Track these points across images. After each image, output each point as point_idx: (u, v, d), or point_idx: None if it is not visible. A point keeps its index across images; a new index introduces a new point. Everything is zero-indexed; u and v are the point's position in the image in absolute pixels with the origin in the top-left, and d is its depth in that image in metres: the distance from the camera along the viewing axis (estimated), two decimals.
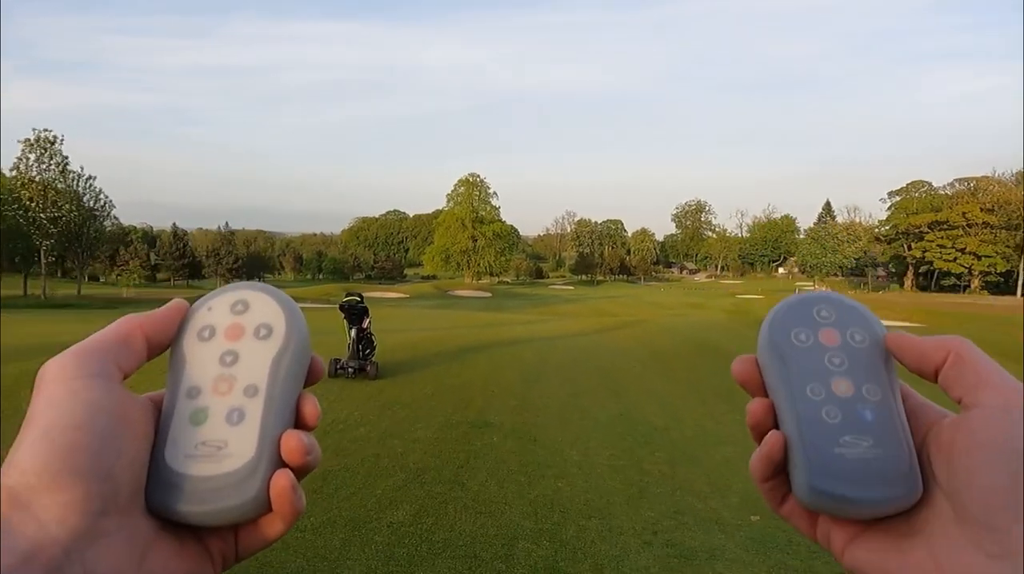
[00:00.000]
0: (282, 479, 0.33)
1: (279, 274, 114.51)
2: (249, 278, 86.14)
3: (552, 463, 5.09)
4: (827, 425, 0.34)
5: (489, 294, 58.46)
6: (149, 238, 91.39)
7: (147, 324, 0.35)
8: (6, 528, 0.26)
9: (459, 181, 79.64)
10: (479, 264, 78.08)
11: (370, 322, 8.16)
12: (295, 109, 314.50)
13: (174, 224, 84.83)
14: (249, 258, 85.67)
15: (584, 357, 10.80)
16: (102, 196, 45.83)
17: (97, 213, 45.79)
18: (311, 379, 0.37)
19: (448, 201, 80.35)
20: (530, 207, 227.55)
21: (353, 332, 7.80)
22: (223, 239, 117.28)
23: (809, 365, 0.36)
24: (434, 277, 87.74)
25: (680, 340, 14.62)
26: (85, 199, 44.65)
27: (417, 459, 4.97)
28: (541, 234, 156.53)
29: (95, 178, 44.99)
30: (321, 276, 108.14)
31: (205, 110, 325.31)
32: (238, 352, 0.35)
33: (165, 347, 0.35)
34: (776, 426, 0.36)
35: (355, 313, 7.90)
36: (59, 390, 0.30)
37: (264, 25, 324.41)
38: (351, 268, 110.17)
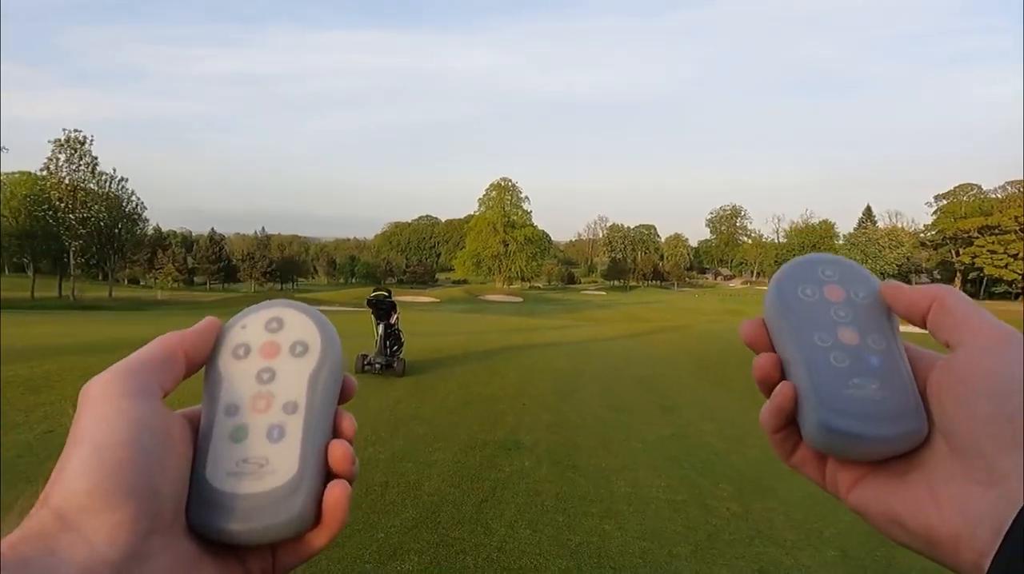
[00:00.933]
0: (338, 489, 0.33)
1: (312, 278, 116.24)
2: (283, 282, 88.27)
3: (596, 497, 4.19)
4: (836, 369, 0.35)
5: (520, 299, 57.73)
6: (188, 242, 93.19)
7: (187, 342, 0.35)
8: (58, 554, 0.26)
9: (491, 185, 79.16)
10: (510, 269, 77.39)
11: (398, 318, 8.03)
12: (328, 116, 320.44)
13: (212, 229, 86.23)
14: (283, 262, 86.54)
15: (623, 365, 9.86)
16: (134, 198, 46.03)
17: (129, 215, 46.08)
18: (344, 397, 0.37)
19: (480, 205, 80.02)
20: (562, 212, 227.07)
21: (381, 328, 7.69)
22: (259, 244, 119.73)
23: (816, 316, 0.37)
24: (465, 282, 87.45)
25: (725, 346, 13.52)
26: (120, 202, 45.00)
27: (433, 489, 4.12)
28: (573, 239, 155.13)
29: (127, 179, 45.19)
30: (354, 280, 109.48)
31: (241, 118, 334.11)
32: (275, 369, 0.36)
33: (201, 365, 0.35)
34: (784, 379, 0.37)
35: (383, 308, 7.80)
36: (105, 408, 0.30)
37: (297, 34, 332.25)
38: (383, 272, 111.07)
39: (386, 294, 8.04)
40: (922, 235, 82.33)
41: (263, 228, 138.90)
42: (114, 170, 45.26)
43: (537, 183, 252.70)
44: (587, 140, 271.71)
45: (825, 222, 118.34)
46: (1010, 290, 68.53)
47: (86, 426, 0.30)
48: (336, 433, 0.36)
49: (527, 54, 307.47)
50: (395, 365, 7.57)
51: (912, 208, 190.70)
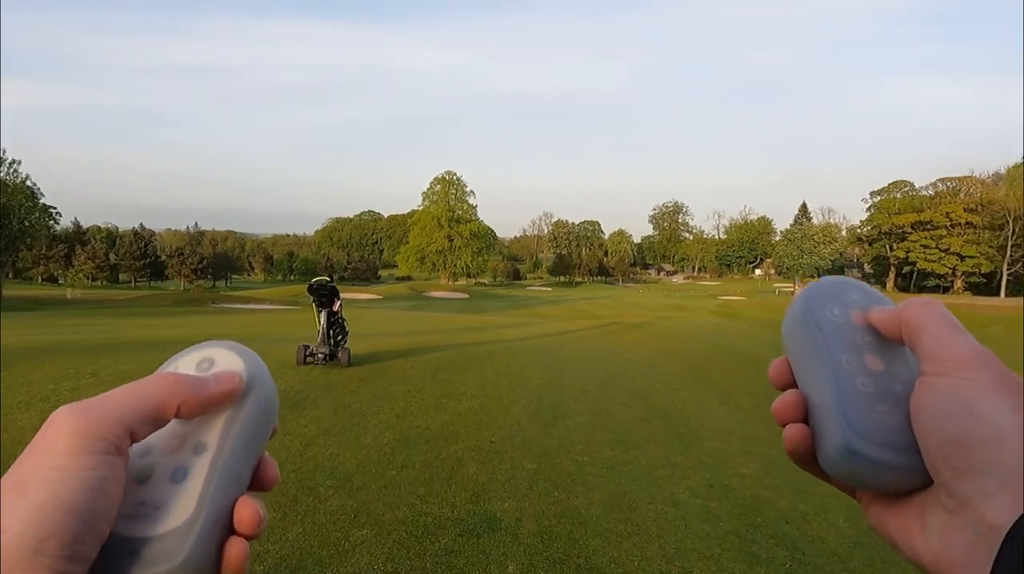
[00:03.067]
0: (238, 547, 0.31)
1: (249, 275, 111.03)
2: (215, 279, 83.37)
3: None
4: (862, 393, 0.35)
5: (466, 295, 55.70)
6: (112, 238, 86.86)
7: (188, 403, 0.32)
8: None
9: (435, 179, 76.49)
10: (455, 265, 74.97)
11: (341, 305, 7.57)
12: (270, 110, 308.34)
13: (140, 224, 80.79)
14: (215, 258, 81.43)
15: (608, 375, 8.04)
16: (29, 184, 40.82)
17: (22, 204, 40.73)
18: (265, 476, 0.35)
19: (424, 199, 77.16)
20: (507, 209, 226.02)
21: (323, 316, 7.23)
22: (190, 239, 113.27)
23: (844, 337, 0.37)
24: (409, 278, 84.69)
25: (707, 349, 11.97)
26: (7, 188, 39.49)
27: None
28: (518, 236, 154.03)
29: (19, 162, 40.03)
30: (292, 277, 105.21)
31: (178, 110, 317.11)
32: None
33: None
34: (804, 420, 0.36)
35: (324, 294, 7.28)
36: (65, 460, 0.28)
37: (243, 24, 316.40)
38: (323, 269, 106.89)
39: (328, 279, 7.48)
40: (858, 231, 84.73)
41: (196, 223, 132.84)
42: (4, 151, 40.11)
43: (483, 179, 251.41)
44: (533, 137, 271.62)
45: (763, 219, 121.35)
46: (940, 284, 70.92)
47: (38, 474, 0.28)
48: (256, 482, 0.34)
49: (476, 51, 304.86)
50: (340, 355, 7.13)
51: (845, 206, 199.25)
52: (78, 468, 0.28)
